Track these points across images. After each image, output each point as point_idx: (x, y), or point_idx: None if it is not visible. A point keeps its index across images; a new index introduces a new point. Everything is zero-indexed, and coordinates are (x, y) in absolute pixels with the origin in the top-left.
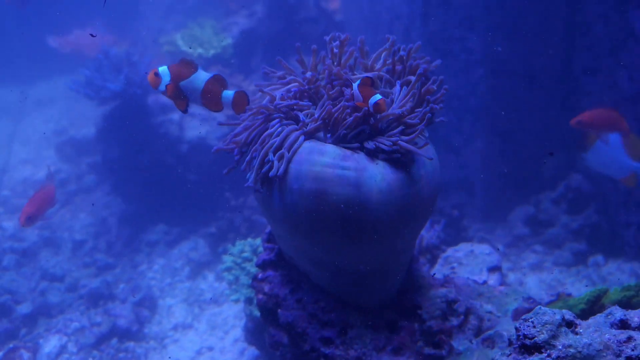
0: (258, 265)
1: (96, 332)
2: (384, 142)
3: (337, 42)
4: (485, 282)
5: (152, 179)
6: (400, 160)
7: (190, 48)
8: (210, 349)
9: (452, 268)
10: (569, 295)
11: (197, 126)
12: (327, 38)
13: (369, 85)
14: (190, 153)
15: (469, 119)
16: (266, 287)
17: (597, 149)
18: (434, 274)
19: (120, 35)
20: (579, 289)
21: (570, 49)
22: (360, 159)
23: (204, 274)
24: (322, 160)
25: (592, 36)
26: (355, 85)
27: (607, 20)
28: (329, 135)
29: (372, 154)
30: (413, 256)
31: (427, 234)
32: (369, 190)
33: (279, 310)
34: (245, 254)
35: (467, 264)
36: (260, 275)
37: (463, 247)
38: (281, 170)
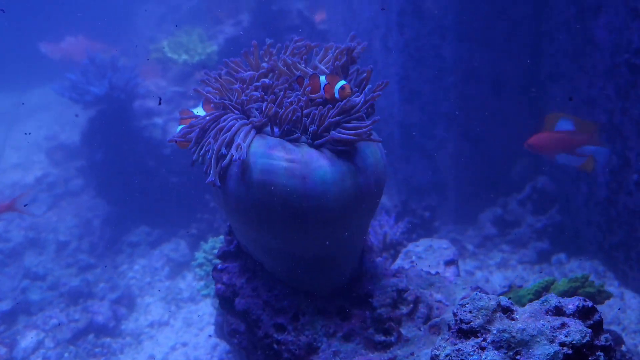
0: (218, 256)
1: (73, 327)
2: (331, 134)
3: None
4: (437, 273)
5: (136, 181)
6: (345, 151)
7: (175, 54)
8: (185, 344)
9: (412, 262)
10: (521, 286)
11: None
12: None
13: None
14: (172, 156)
15: (442, 124)
16: (225, 277)
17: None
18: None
19: (112, 44)
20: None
21: (536, 56)
22: (305, 151)
23: (183, 274)
24: (269, 153)
25: (556, 43)
26: (323, 77)
27: (569, 28)
28: (276, 129)
29: (318, 146)
30: (366, 246)
31: (391, 231)
32: (314, 182)
33: (236, 299)
34: (215, 250)
35: (425, 257)
36: (219, 266)
37: (423, 242)
38: (244, 154)
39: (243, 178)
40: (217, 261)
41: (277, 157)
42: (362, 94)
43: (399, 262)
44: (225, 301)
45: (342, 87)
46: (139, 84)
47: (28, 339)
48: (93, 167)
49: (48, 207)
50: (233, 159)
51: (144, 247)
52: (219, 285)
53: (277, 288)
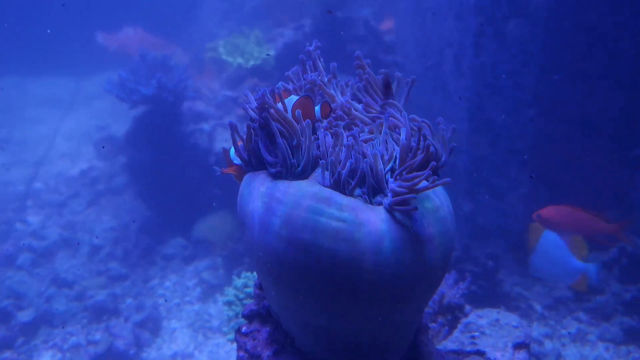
0: (244, 316)
1: (92, 352)
2: (393, 188)
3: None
4: None
5: (177, 189)
6: (406, 213)
7: (230, 57)
8: None
9: (473, 337)
10: None
11: (229, 138)
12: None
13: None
14: (217, 166)
15: (515, 162)
16: (249, 344)
17: (541, 251)
18: (447, 350)
19: (171, 38)
20: None
21: (636, 96)
22: (358, 208)
23: (215, 297)
24: (319, 207)
25: None
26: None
27: None
28: (327, 174)
29: (370, 201)
30: (420, 326)
31: (450, 292)
32: (368, 250)
33: None
34: (248, 289)
35: (490, 334)
36: (244, 329)
37: (487, 314)
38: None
39: (281, 232)
40: (248, 302)
41: (327, 213)
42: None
43: (457, 334)
44: None
45: (323, 105)
46: (188, 87)
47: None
48: (135, 170)
49: (88, 204)
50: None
51: (178, 261)
52: (242, 354)
53: None
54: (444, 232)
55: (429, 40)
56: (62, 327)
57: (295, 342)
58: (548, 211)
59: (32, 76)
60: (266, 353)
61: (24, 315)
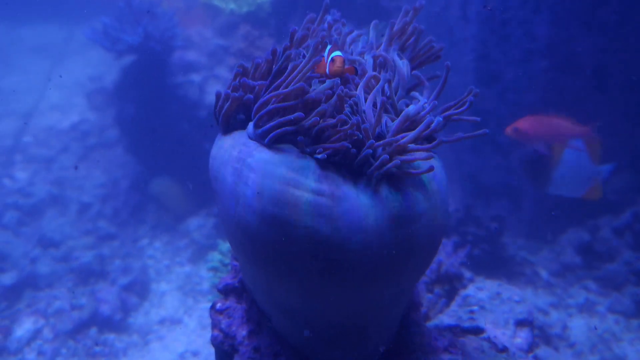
0: (219, 291)
1: (76, 317)
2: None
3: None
4: (505, 349)
5: (167, 144)
6: (394, 186)
7: (222, 2)
8: (195, 354)
9: (471, 312)
10: None
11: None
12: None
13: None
14: (208, 119)
15: (523, 116)
16: (224, 322)
17: (563, 166)
18: (443, 325)
19: None
20: (639, 351)
21: None
22: (338, 181)
23: (206, 258)
24: (291, 177)
25: None
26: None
27: None
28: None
29: (355, 175)
30: (412, 303)
31: (448, 260)
32: (348, 229)
33: (235, 356)
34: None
35: (490, 309)
36: (219, 305)
37: (488, 286)
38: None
39: (253, 204)
40: (218, 296)
41: (301, 184)
42: (428, 100)
43: (454, 307)
44: (223, 355)
45: (333, 60)
46: (177, 35)
47: (25, 326)
48: (124, 123)
49: (79, 158)
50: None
51: (169, 220)
52: (216, 333)
53: (285, 355)
54: (435, 207)
55: None
56: (47, 291)
57: (272, 321)
58: (523, 124)
59: (24, 22)
60: (241, 333)
61: (7, 278)
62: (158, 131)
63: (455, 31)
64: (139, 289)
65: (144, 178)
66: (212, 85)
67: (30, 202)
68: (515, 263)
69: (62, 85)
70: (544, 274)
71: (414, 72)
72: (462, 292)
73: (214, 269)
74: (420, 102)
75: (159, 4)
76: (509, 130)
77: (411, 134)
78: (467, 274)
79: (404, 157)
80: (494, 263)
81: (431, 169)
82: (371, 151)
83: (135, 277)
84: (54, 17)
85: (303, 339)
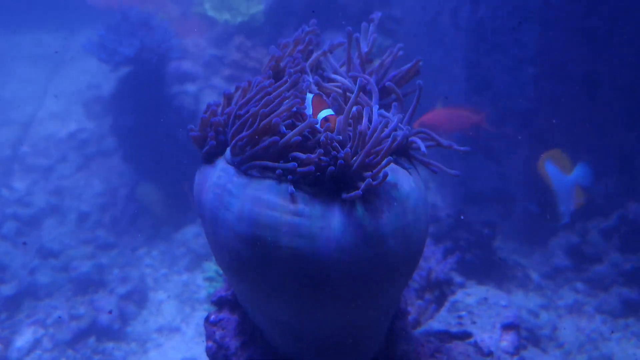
0: (213, 303)
1: (74, 327)
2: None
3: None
4: (490, 353)
5: (164, 153)
6: (370, 204)
7: (216, 13)
8: None
9: (460, 317)
10: None
11: (216, 100)
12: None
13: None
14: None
15: (514, 123)
16: (218, 334)
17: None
18: (432, 331)
19: None
20: (625, 350)
21: None
22: (314, 201)
23: (203, 267)
24: (268, 199)
25: None
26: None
27: None
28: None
29: (330, 196)
30: (399, 311)
31: (438, 267)
32: (324, 248)
33: None
34: None
35: (478, 314)
36: (213, 317)
37: (476, 291)
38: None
39: (235, 227)
40: (213, 308)
41: (279, 206)
42: (394, 117)
43: (443, 313)
44: None
45: (326, 118)
46: (173, 47)
47: (25, 337)
48: (121, 133)
49: (77, 167)
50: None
51: (166, 228)
52: (210, 344)
53: None
54: (412, 223)
55: None
56: (46, 301)
57: (264, 334)
58: (427, 117)
59: (22, 31)
60: (234, 344)
61: (7, 289)
62: (155, 140)
63: (446, 39)
64: (137, 297)
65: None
66: (208, 95)
67: (29, 213)
68: (507, 267)
69: (60, 94)
70: (535, 276)
71: (387, 84)
72: (451, 298)
73: (210, 279)
74: (389, 119)
75: (155, 15)
76: (416, 123)
77: (382, 150)
78: (459, 279)
79: (371, 173)
80: (486, 268)
81: (386, 175)
82: (334, 168)
83: (133, 286)
84: (52, 25)
85: (293, 351)
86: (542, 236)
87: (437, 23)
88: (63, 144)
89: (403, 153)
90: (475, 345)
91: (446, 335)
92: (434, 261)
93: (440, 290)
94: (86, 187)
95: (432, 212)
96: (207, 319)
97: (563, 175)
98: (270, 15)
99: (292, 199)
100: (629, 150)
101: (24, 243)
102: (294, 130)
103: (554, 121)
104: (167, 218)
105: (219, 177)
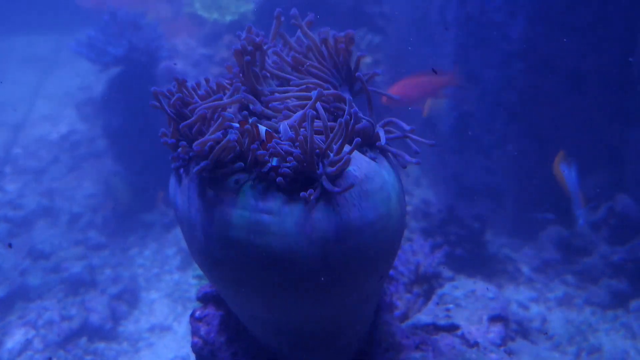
0: (198, 299)
1: (66, 328)
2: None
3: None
4: (476, 344)
5: (155, 153)
6: (337, 201)
7: (206, 12)
8: (184, 359)
9: (447, 310)
10: None
11: None
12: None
13: None
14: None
15: (502, 117)
16: (203, 330)
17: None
18: (420, 324)
19: None
20: (614, 340)
21: (630, 49)
22: (283, 198)
23: (194, 265)
24: (233, 199)
25: None
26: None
27: None
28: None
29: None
30: (384, 304)
31: (425, 261)
32: (296, 243)
33: None
34: None
35: (465, 306)
36: (198, 313)
37: (463, 284)
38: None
39: (207, 228)
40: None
41: (252, 206)
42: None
43: (431, 306)
44: None
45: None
46: (162, 46)
47: (16, 338)
48: (112, 133)
49: (69, 169)
50: None
51: (159, 228)
52: (196, 340)
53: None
54: (384, 215)
55: None
56: (37, 302)
57: (247, 329)
58: (394, 89)
59: (13, 33)
60: (220, 340)
61: None
62: (145, 140)
63: (435, 35)
64: (129, 297)
65: (133, 187)
66: None
67: (20, 214)
68: (497, 261)
69: (51, 96)
70: (525, 270)
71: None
72: (439, 291)
73: (199, 277)
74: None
75: (143, 15)
76: (384, 99)
77: (341, 143)
78: (448, 273)
79: (333, 169)
80: (476, 262)
81: (342, 165)
82: (288, 170)
83: (125, 286)
84: (43, 28)
85: (275, 345)
86: (532, 230)
87: (426, 19)
88: (54, 146)
89: (373, 145)
90: (462, 337)
91: (433, 328)
92: (421, 255)
93: (429, 284)
94: (77, 188)
95: (424, 208)
96: (192, 314)
97: (575, 178)
98: (261, 13)
99: (256, 195)
100: (617, 143)
101: (9, 245)
102: (212, 127)
103: (542, 114)
104: (158, 218)
105: (191, 180)
